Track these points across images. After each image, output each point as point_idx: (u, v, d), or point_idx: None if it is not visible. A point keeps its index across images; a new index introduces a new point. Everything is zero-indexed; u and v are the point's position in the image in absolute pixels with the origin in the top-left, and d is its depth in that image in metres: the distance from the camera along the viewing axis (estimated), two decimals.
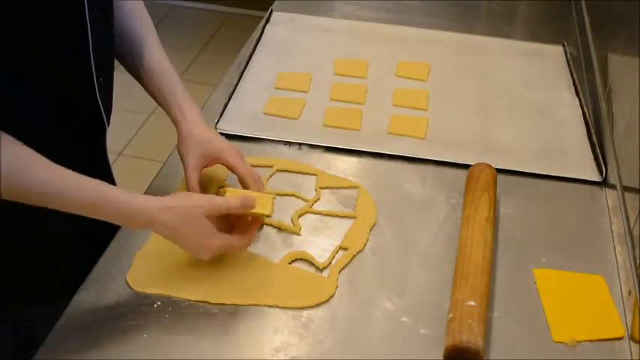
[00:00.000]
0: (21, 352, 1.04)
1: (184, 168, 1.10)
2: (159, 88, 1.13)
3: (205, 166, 1.11)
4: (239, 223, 1.04)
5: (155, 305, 0.97)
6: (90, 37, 1.00)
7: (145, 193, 1.15)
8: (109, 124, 1.12)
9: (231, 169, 1.11)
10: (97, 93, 1.05)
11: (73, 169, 0.91)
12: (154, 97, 1.15)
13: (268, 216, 1.06)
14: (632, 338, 0.97)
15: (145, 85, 1.15)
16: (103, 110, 1.08)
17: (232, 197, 1.01)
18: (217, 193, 1.12)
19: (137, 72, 1.14)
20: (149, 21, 1.18)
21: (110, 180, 1.18)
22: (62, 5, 0.95)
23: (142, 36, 1.15)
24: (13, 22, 0.90)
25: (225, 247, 1.00)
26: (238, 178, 1.10)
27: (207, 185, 1.17)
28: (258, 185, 1.08)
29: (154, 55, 1.14)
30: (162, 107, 1.14)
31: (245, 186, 1.09)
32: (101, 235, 1.06)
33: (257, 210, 1.02)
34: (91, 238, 1.07)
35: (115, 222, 0.95)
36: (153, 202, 0.94)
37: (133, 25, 1.15)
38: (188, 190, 1.08)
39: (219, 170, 1.20)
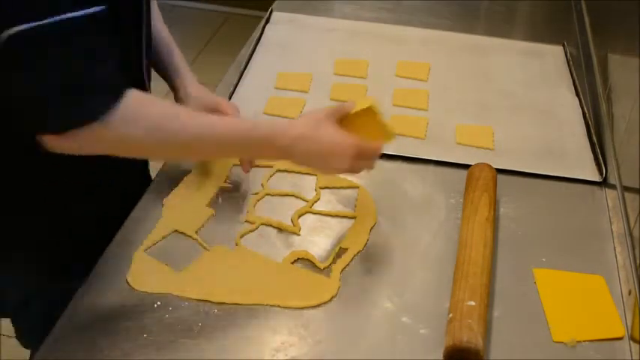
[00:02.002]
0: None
1: None
2: (157, 52, 1.18)
3: None
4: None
5: (155, 305, 0.97)
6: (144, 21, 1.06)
7: (146, 193, 1.15)
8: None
9: None
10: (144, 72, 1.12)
11: None
12: (152, 64, 1.18)
13: (389, 139, 1.08)
14: (632, 338, 0.97)
15: None
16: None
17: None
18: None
19: None
20: None
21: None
22: None
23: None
24: None
25: (360, 147, 1.00)
26: None
27: (207, 184, 1.17)
28: None
29: (156, 24, 1.18)
30: (159, 73, 1.20)
31: None
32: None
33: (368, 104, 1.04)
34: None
35: (260, 151, 1.02)
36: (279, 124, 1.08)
37: None
38: None
39: (219, 169, 1.20)
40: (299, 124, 1.00)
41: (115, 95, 0.89)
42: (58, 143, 0.89)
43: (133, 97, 0.90)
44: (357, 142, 1.00)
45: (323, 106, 1.38)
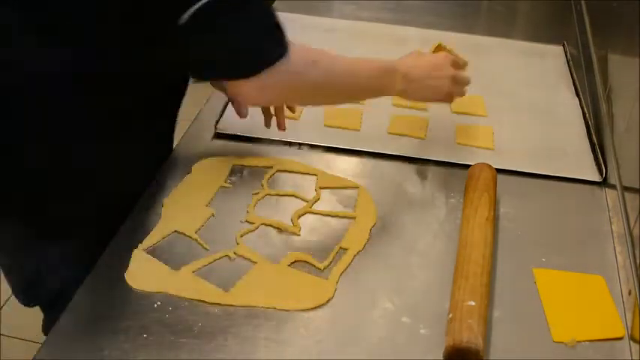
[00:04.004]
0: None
1: None
2: None
3: None
4: None
5: (155, 305, 0.97)
6: None
7: (145, 193, 1.15)
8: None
9: None
10: None
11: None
12: None
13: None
14: (632, 338, 0.97)
15: None
16: None
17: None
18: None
19: None
20: None
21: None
22: None
23: None
24: None
25: (454, 60, 1.26)
26: None
27: (207, 184, 1.17)
28: None
29: None
30: None
31: None
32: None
33: None
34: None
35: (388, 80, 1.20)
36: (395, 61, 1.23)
37: None
38: None
39: (219, 169, 1.20)
40: (404, 59, 1.24)
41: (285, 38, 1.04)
42: (252, 90, 1.03)
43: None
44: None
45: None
